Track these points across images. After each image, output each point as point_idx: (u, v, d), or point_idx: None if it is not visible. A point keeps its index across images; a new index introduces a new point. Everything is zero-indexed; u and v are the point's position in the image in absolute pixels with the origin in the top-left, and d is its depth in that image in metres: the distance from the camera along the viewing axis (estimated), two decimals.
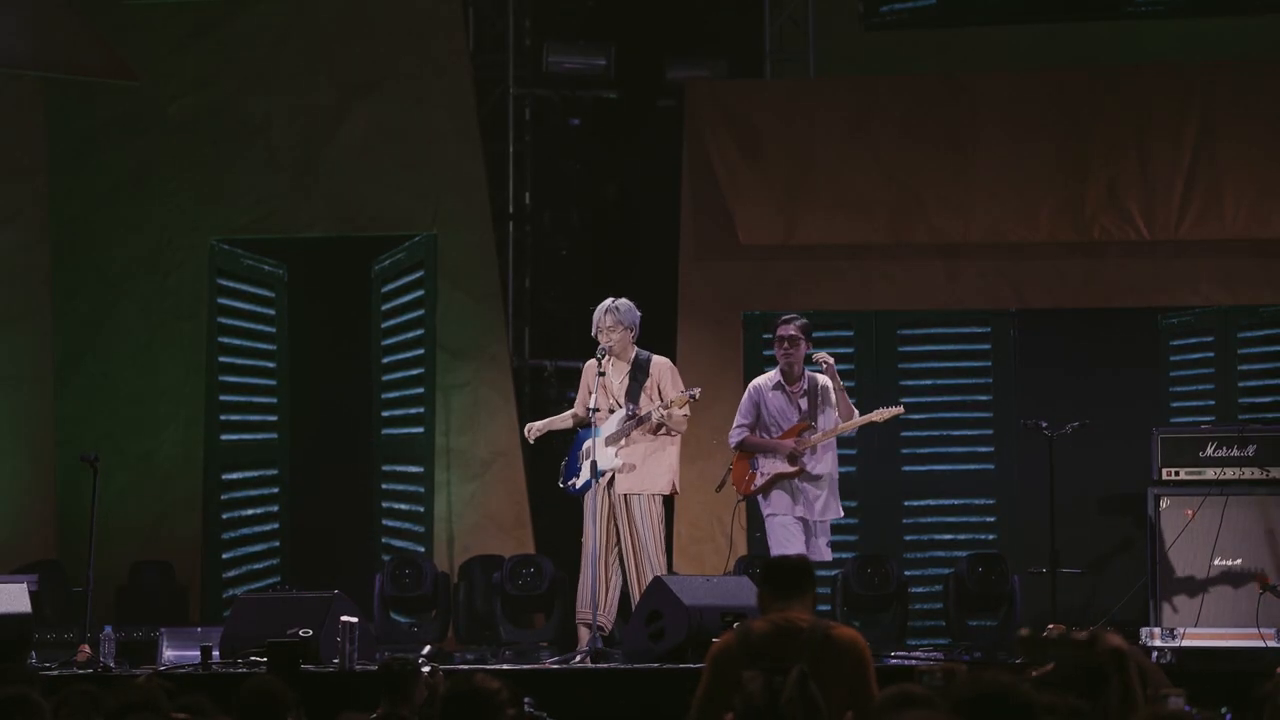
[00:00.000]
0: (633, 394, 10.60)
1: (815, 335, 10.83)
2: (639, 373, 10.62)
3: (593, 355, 10.54)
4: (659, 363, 10.67)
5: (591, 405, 10.44)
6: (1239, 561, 10.60)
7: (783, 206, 13.12)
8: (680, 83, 13.53)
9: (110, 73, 13.51)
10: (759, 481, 10.53)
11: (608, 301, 10.64)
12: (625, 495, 10.50)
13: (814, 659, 5.78)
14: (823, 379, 10.62)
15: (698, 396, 10.45)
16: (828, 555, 10.61)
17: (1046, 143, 12.94)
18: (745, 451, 10.63)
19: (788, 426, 10.54)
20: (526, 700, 7.52)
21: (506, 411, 13.37)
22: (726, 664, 5.94)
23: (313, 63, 13.57)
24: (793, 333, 10.53)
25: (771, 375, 10.70)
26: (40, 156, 13.66)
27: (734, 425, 10.69)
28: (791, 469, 10.45)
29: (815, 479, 10.51)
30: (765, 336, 13.19)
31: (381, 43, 13.59)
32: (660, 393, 10.55)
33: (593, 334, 10.59)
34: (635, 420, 10.51)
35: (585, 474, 10.50)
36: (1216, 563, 10.61)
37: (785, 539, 10.44)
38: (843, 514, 10.72)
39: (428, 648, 10.20)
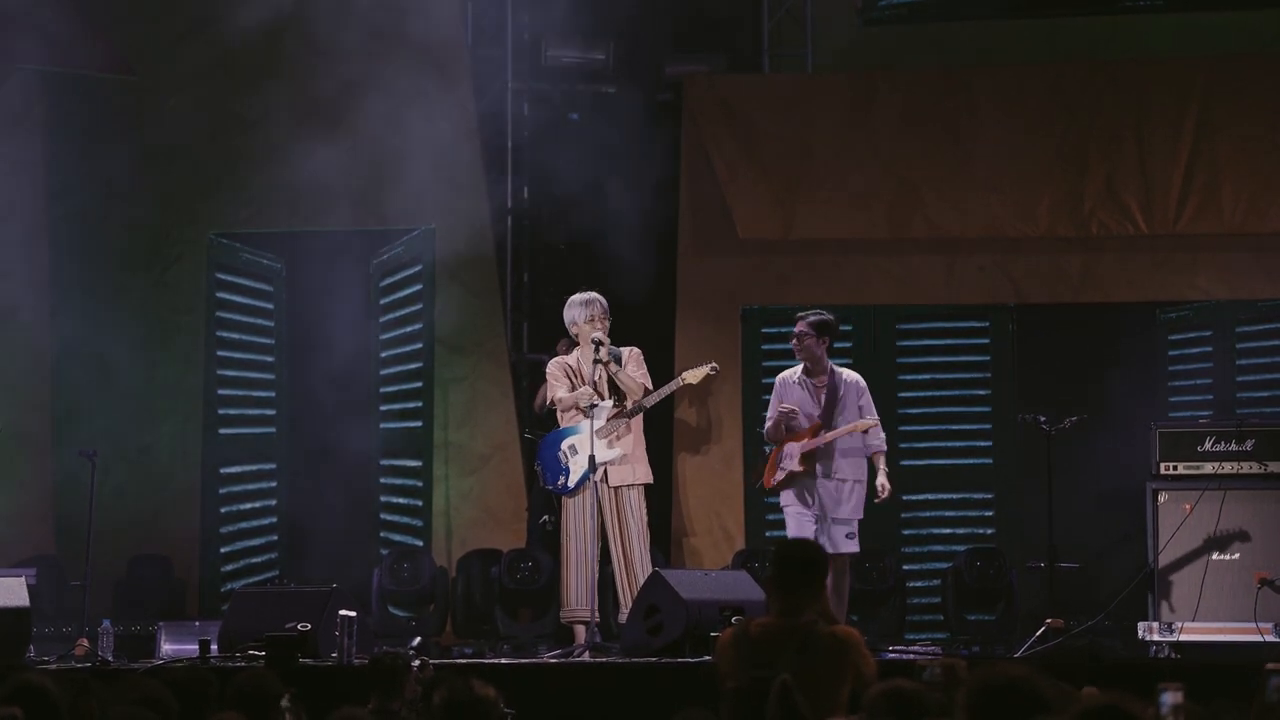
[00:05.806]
0: (615, 387, 10.60)
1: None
2: (616, 365, 10.61)
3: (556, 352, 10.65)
4: (630, 351, 10.68)
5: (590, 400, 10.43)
6: (1237, 556, 10.60)
7: (781, 201, 13.12)
8: (679, 78, 13.53)
9: (109, 67, 13.49)
10: (778, 477, 10.54)
11: (590, 294, 10.61)
12: (617, 488, 10.49)
13: (807, 659, 5.80)
14: (852, 377, 10.61)
15: (717, 371, 10.77)
16: (844, 548, 10.42)
17: (1044, 137, 12.95)
18: (773, 441, 10.66)
19: (809, 418, 10.53)
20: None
21: (504, 406, 13.37)
22: (722, 660, 6.03)
23: (311, 57, 13.55)
24: (800, 329, 10.59)
25: (797, 368, 10.70)
26: (39, 151, 13.65)
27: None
28: (799, 469, 10.45)
29: (833, 481, 10.47)
30: (764, 331, 13.21)
31: (380, 37, 13.57)
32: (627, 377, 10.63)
33: (583, 322, 10.55)
34: (627, 413, 10.50)
35: (576, 471, 10.47)
36: (1214, 557, 10.62)
37: (797, 528, 10.45)
38: (861, 516, 10.55)
39: (417, 639, 10.20)
